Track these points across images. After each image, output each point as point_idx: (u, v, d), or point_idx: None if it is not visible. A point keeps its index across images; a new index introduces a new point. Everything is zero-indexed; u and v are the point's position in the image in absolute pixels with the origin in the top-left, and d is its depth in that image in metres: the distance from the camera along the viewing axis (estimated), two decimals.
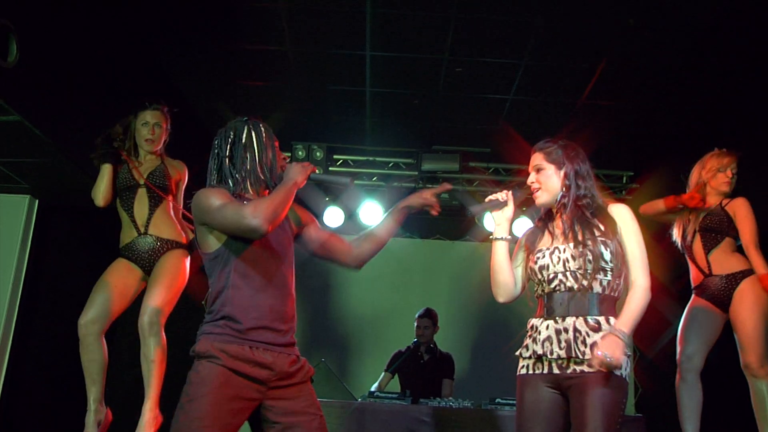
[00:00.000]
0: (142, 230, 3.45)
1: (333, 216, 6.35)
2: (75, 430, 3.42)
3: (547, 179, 2.50)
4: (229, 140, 2.42)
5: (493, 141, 5.99)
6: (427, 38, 4.53)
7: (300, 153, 5.84)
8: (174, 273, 3.42)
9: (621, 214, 2.42)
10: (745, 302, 3.52)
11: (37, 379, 4.67)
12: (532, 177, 2.54)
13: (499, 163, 6.30)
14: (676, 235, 3.80)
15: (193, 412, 2.14)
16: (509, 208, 2.57)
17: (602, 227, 2.40)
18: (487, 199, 2.59)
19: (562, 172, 2.49)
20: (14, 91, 3.48)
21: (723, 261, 3.63)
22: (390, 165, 6.34)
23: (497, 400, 4.17)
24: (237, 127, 2.44)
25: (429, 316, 5.44)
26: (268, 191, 2.43)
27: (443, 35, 4.45)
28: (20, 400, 4.50)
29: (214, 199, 2.26)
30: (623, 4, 4.03)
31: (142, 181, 3.49)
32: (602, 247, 2.35)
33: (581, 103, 5.19)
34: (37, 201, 4.67)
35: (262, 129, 2.45)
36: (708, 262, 3.65)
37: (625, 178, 6.35)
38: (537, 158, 2.54)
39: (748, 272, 3.56)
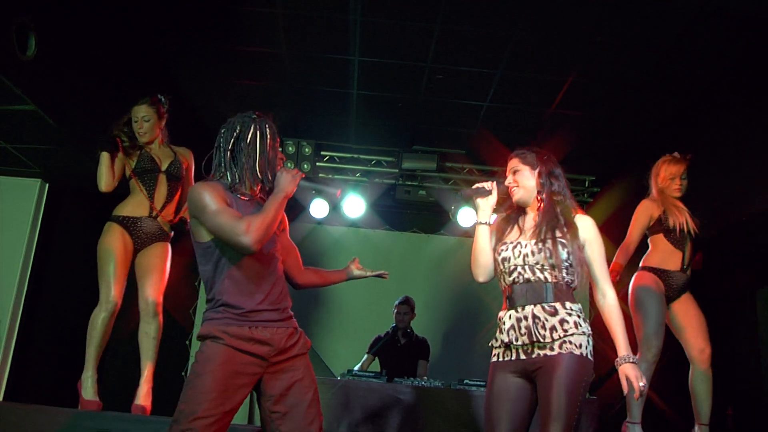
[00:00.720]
0: (154, 213, 3.67)
1: (318, 208, 6.40)
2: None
3: (523, 179, 2.66)
4: (234, 134, 2.43)
5: (469, 144, 6.13)
6: (411, 46, 4.63)
7: (290, 148, 5.97)
8: (165, 263, 3.72)
9: (586, 226, 2.58)
10: (694, 299, 3.93)
11: (44, 347, 4.83)
12: (509, 179, 2.70)
13: (473, 164, 6.43)
14: (676, 224, 3.92)
15: (199, 387, 2.24)
16: (493, 197, 2.70)
17: (565, 229, 2.54)
18: (474, 186, 2.74)
19: (536, 172, 2.64)
20: (31, 82, 3.63)
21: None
22: (373, 162, 6.44)
23: (465, 381, 4.33)
24: (244, 123, 2.44)
25: (407, 303, 5.59)
26: (261, 188, 2.46)
27: (426, 44, 4.57)
28: (29, 365, 4.64)
29: (209, 199, 2.29)
30: (592, 23, 4.23)
31: (164, 168, 3.72)
32: (560, 248, 2.50)
33: (550, 111, 5.34)
34: (47, 185, 4.80)
35: (267, 129, 2.46)
36: (691, 262, 3.95)
37: (587, 182, 6.53)
38: (513, 162, 2.70)
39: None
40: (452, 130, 6.02)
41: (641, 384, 2.38)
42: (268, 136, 2.46)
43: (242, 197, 2.43)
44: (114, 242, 3.61)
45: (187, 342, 6.32)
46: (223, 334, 2.31)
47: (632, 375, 2.40)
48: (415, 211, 6.82)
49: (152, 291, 3.62)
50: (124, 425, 3.10)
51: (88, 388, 3.54)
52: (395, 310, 5.62)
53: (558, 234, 2.54)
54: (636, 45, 4.44)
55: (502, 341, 2.55)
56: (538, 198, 2.64)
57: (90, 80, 4.19)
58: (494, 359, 2.59)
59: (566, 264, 2.50)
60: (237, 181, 2.42)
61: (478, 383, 4.29)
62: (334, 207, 6.51)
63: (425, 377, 4.81)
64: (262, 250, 2.40)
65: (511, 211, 2.76)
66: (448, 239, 6.92)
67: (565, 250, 2.51)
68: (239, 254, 2.35)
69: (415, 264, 6.86)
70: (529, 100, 5.28)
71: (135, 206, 3.69)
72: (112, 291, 3.53)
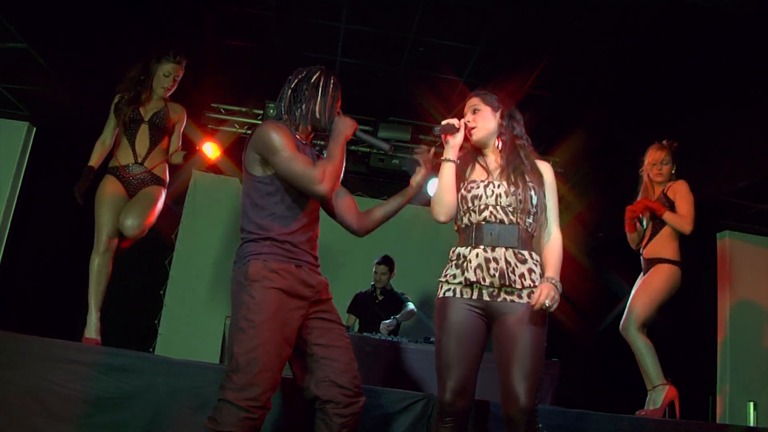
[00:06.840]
0: (140, 160, 3.76)
1: None
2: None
3: (483, 119, 2.62)
4: (300, 76, 2.55)
5: (442, 118, 6.27)
6: (396, 18, 4.74)
7: (271, 111, 5.93)
8: (153, 204, 3.74)
9: (547, 172, 2.61)
10: (647, 281, 3.96)
11: (25, 288, 4.85)
12: (468, 117, 2.64)
13: None
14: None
15: (255, 338, 2.23)
16: (460, 134, 2.61)
17: (533, 176, 2.56)
18: (444, 122, 2.65)
19: (498, 114, 2.62)
20: (25, 20, 3.61)
21: (657, 245, 3.96)
22: None
23: (431, 339, 4.39)
24: (311, 69, 2.58)
25: (386, 263, 5.52)
26: (313, 132, 2.56)
27: (411, 17, 4.67)
28: (8, 306, 4.64)
29: (282, 143, 2.33)
30: (569, 9, 4.42)
31: (147, 119, 3.79)
32: (532, 192, 2.52)
33: (524, 91, 5.46)
34: (34, 128, 4.81)
35: (331, 80, 2.56)
36: (648, 243, 4.01)
37: (551, 163, 6.70)
38: (473, 101, 2.66)
39: (664, 260, 3.94)
40: (428, 103, 6.09)
41: (547, 302, 2.36)
42: (331, 86, 2.56)
43: (300, 138, 2.53)
44: (105, 191, 3.68)
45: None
46: (273, 273, 2.31)
47: (544, 291, 2.38)
48: (387, 180, 6.89)
49: (137, 223, 3.62)
50: (118, 360, 3.08)
51: (90, 327, 3.61)
52: (373, 270, 5.55)
53: (528, 179, 2.54)
54: (609, 33, 4.65)
55: (467, 279, 2.47)
56: (499, 140, 2.63)
57: (84, 25, 4.20)
58: (448, 294, 2.51)
59: (534, 210, 2.52)
60: (294, 120, 2.51)
61: None
62: None
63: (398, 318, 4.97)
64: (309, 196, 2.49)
65: (469, 157, 2.71)
66: (418, 209, 6.82)
67: (536, 196, 2.53)
68: (291, 194, 2.41)
69: (383, 231, 6.91)
70: (504, 78, 5.32)
71: (122, 155, 3.76)
72: (102, 236, 3.61)
